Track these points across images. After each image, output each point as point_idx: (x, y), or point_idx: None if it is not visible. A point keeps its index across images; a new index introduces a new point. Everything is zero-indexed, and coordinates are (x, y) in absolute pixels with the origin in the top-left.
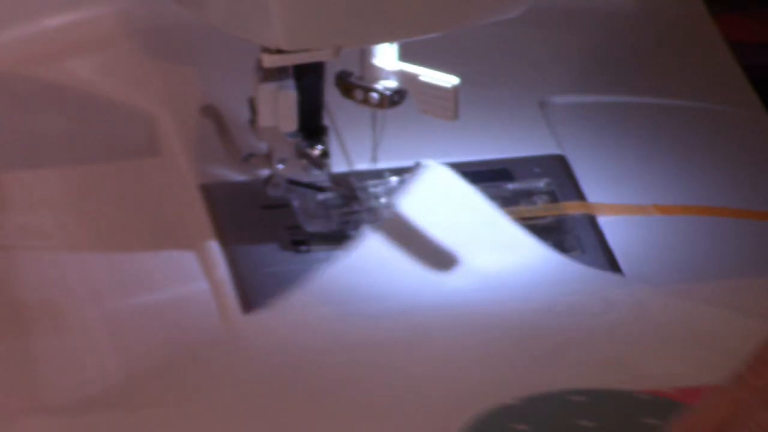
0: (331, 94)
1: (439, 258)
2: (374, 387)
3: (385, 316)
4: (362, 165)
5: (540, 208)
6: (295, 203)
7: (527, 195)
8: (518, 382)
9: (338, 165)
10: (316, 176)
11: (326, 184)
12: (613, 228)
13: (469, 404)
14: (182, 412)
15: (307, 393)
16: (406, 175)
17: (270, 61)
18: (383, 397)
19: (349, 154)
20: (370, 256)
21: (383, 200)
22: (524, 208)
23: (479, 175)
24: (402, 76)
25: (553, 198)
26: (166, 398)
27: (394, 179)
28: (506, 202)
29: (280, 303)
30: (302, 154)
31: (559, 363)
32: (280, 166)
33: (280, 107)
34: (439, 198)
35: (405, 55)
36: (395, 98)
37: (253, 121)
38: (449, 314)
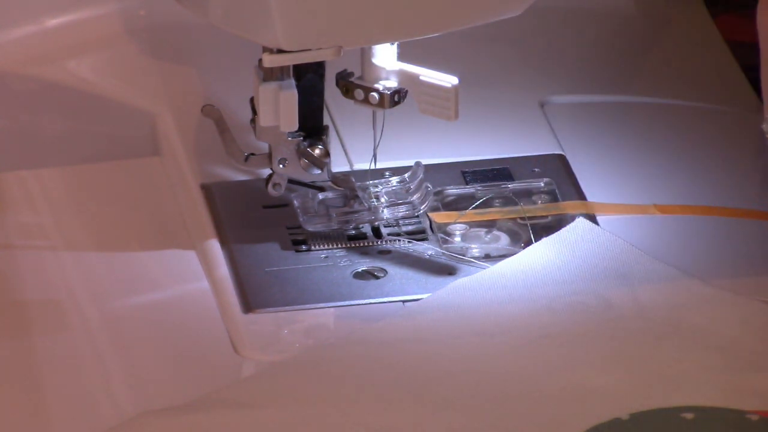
0: (331, 94)
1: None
2: (487, 391)
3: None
4: (362, 165)
5: (540, 207)
6: (296, 203)
7: (527, 195)
8: (631, 397)
9: (338, 165)
10: (316, 176)
11: (326, 183)
12: (613, 227)
13: (582, 416)
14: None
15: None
16: (406, 175)
17: (270, 60)
18: (496, 402)
19: (349, 154)
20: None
21: (383, 199)
22: (524, 208)
23: (479, 175)
24: (402, 76)
25: (553, 197)
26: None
27: (394, 179)
28: (506, 201)
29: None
30: (302, 154)
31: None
32: (281, 166)
33: (281, 107)
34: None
35: (405, 55)
36: (395, 98)
37: (253, 121)
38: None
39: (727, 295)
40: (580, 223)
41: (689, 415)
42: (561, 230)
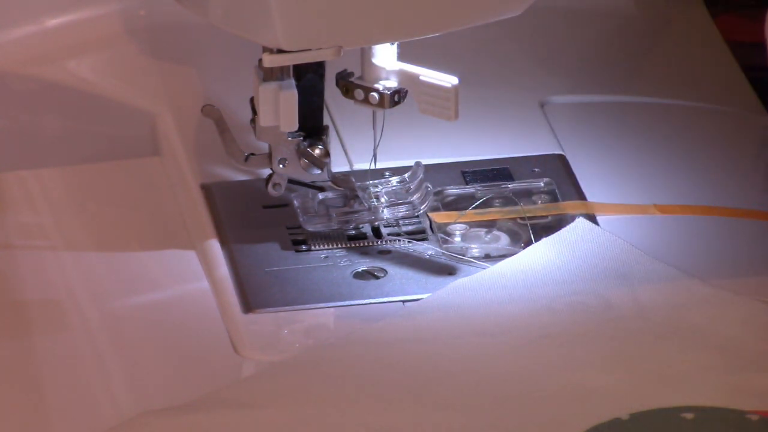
0: (331, 94)
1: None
2: (487, 391)
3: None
4: (362, 165)
5: (540, 207)
6: (296, 203)
7: (527, 195)
8: (631, 398)
9: (338, 165)
10: (316, 176)
11: (326, 183)
12: (613, 228)
13: (582, 416)
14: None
15: (409, 396)
16: (406, 175)
17: (270, 60)
18: (496, 402)
19: (349, 154)
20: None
21: (383, 199)
22: (524, 208)
23: (479, 175)
24: (402, 76)
25: (553, 197)
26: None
27: (394, 179)
28: (506, 202)
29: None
30: (302, 154)
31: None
32: (281, 166)
33: (281, 107)
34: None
35: (405, 55)
36: (395, 98)
37: (253, 121)
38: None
39: (727, 295)
40: (580, 223)
41: (689, 415)
42: (561, 230)
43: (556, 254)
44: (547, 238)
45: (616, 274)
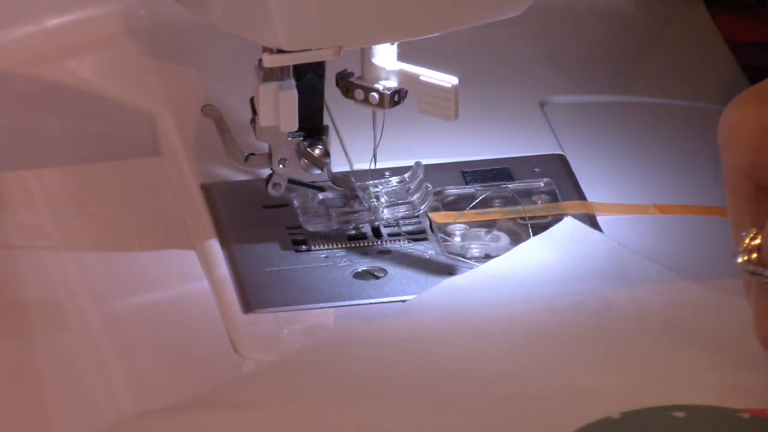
0: (331, 94)
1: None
2: (486, 391)
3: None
4: (362, 165)
5: (540, 207)
6: (296, 203)
7: (527, 195)
8: (623, 396)
9: (338, 165)
10: (316, 176)
11: (326, 184)
12: (613, 228)
13: (575, 416)
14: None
15: (404, 393)
16: (406, 175)
17: (270, 61)
18: (496, 402)
19: (349, 154)
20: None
21: (383, 199)
22: (524, 208)
23: (479, 175)
24: (402, 76)
25: (553, 197)
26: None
27: (394, 179)
28: (506, 202)
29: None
30: (302, 154)
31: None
32: (281, 166)
33: (281, 107)
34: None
35: (405, 55)
36: (395, 98)
37: (253, 121)
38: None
39: (721, 296)
40: (569, 222)
41: (680, 414)
42: (550, 229)
43: (546, 253)
44: (536, 237)
45: (606, 274)
